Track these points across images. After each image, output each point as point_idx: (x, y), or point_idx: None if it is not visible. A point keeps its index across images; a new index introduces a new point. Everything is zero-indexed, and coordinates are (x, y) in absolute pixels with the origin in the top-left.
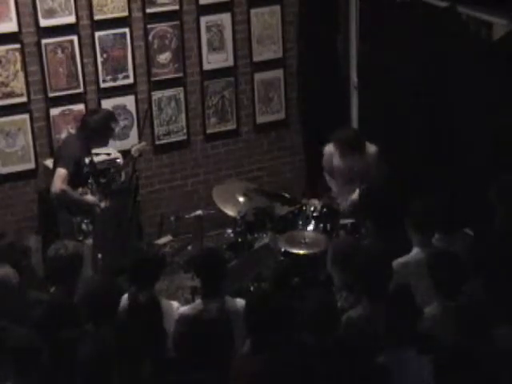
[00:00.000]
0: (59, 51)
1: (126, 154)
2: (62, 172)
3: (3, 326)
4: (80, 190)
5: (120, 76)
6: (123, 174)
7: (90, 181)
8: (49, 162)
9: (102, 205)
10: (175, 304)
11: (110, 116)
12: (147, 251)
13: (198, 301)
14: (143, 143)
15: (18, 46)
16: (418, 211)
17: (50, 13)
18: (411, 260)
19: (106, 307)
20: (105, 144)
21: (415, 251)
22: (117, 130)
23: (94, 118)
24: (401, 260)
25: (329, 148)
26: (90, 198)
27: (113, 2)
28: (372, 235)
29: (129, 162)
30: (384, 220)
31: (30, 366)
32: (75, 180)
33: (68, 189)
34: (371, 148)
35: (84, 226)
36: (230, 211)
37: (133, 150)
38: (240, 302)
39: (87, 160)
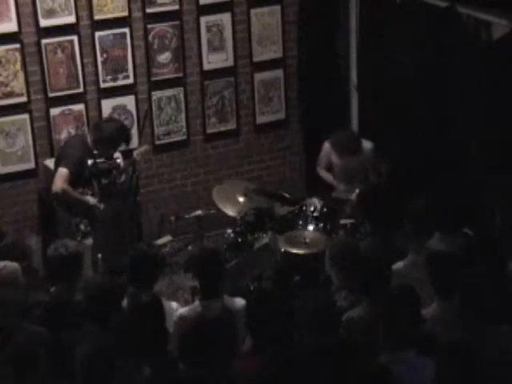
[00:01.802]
0: (59, 51)
1: (126, 153)
2: (63, 172)
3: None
4: (80, 189)
5: (120, 76)
6: (123, 175)
7: (92, 182)
8: (49, 162)
9: (102, 206)
10: (174, 305)
11: (125, 133)
12: (147, 251)
13: (197, 302)
14: (145, 146)
15: (17, 46)
16: (414, 214)
17: (50, 13)
18: (409, 263)
19: (109, 307)
20: (107, 154)
21: (413, 253)
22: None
23: (110, 126)
24: (399, 264)
25: (328, 145)
26: (90, 198)
27: (113, 2)
28: (371, 235)
29: (129, 165)
30: (383, 220)
31: (29, 367)
32: (77, 180)
33: (69, 188)
34: (367, 144)
35: (82, 227)
36: (230, 211)
37: (135, 153)
38: (239, 302)
39: (90, 162)
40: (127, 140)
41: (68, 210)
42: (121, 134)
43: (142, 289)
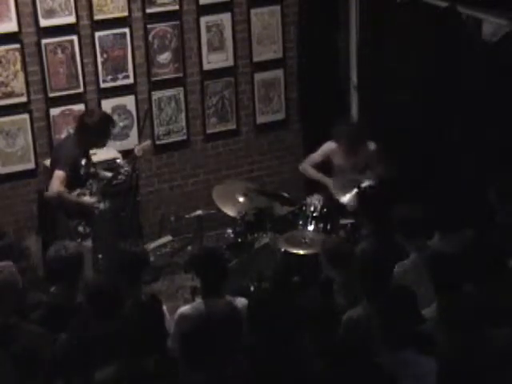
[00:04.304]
0: (59, 51)
1: (126, 154)
2: (59, 174)
3: (12, 324)
4: (78, 190)
5: (120, 76)
6: (122, 174)
7: (89, 182)
8: (48, 162)
9: (101, 206)
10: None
11: (108, 118)
12: (127, 252)
13: (199, 300)
14: (147, 142)
15: (17, 46)
16: (407, 218)
17: (50, 13)
18: (410, 265)
19: (112, 306)
20: (102, 146)
21: (413, 256)
22: (115, 131)
23: (92, 120)
24: (399, 266)
25: (330, 145)
26: (87, 199)
27: (113, 1)
28: (371, 235)
29: (130, 161)
30: (383, 220)
31: (29, 367)
32: (73, 181)
33: (64, 192)
34: (370, 145)
35: (81, 228)
36: (230, 211)
37: (136, 149)
38: (241, 301)
39: (84, 161)
40: (113, 126)
41: (65, 213)
42: (107, 121)
43: (130, 288)
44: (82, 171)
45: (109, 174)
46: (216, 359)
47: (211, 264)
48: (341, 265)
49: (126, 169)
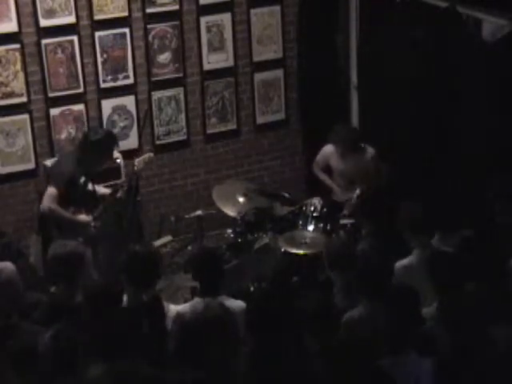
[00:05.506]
0: (59, 51)
1: (126, 154)
2: (51, 191)
3: (13, 324)
4: (72, 209)
5: (120, 76)
6: (121, 191)
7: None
8: (49, 162)
9: (98, 224)
10: (172, 307)
11: (112, 137)
12: (145, 251)
13: (196, 299)
14: (148, 154)
15: (17, 46)
16: (412, 214)
17: (50, 13)
18: (413, 262)
19: (109, 306)
20: (100, 166)
21: (415, 253)
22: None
23: (96, 138)
24: (402, 263)
25: (328, 148)
26: (83, 217)
27: (113, 2)
28: (371, 235)
29: (130, 177)
30: (383, 220)
31: (29, 367)
32: (69, 198)
33: (57, 208)
34: (370, 150)
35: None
36: (230, 211)
37: (136, 162)
38: (238, 303)
39: (82, 180)
40: (117, 146)
41: (58, 230)
42: (110, 141)
43: (141, 289)
44: (79, 190)
45: (107, 191)
46: (211, 358)
47: (208, 265)
48: (341, 267)
49: (124, 185)
